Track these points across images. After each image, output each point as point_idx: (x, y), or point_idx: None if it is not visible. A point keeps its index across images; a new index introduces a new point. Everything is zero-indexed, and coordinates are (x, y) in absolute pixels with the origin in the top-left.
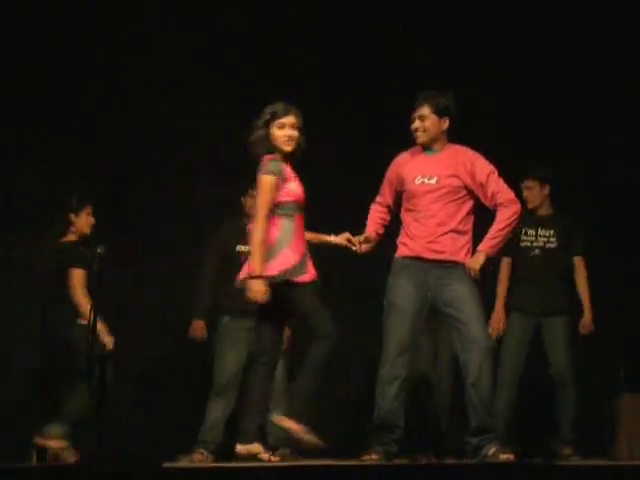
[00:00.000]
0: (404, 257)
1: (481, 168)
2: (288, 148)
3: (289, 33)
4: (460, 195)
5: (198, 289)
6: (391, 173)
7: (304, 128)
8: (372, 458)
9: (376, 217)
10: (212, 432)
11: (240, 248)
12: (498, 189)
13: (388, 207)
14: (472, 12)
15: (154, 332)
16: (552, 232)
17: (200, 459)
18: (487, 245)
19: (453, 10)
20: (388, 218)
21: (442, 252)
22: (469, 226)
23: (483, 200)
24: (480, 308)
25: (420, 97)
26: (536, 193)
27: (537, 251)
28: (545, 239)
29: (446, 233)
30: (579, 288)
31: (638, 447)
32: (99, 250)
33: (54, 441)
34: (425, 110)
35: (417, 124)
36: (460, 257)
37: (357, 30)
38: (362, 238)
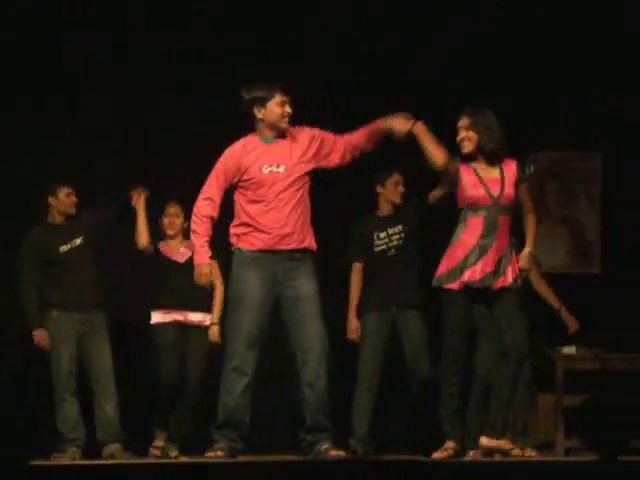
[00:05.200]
0: (253, 250)
1: (318, 135)
2: None
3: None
4: (306, 179)
5: (24, 298)
6: (228, 164)
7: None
8: (217, 454)
9: (209, 228)
10: (77, 429)
11: (63, 248)
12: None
13: (218, 207)
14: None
15: None
16: (400, 227)
17: (73, 457)
18: None
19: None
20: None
21: (293, 241)
22: (310, 206)
23: (338, 154)
24: (320, 307)
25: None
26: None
27: (393, 250)
28: (397, 236)
29: (297, 221)
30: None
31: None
32: None
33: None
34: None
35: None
36: (307, 242)
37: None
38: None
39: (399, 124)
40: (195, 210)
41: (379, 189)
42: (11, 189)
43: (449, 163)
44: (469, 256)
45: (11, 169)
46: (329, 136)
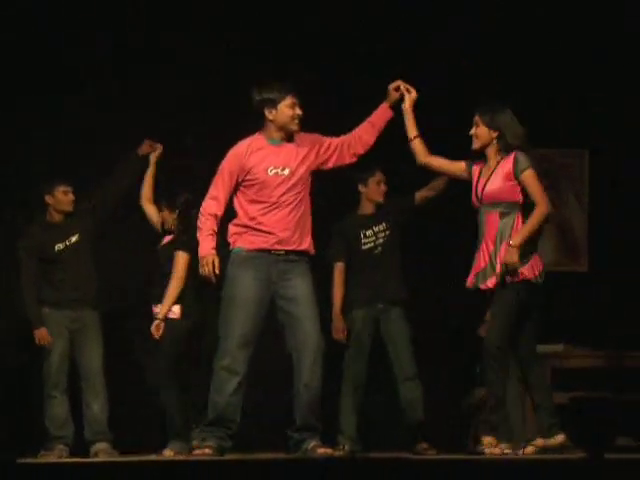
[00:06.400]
0: (249, 250)
1: (318, 139)
2: None
3: None
4: (308, 182)
5: (24, 298)
6: (232, 164)
7: None
8: (205, 452)
9: (213, 225)
10: (65, 427)
11: (59, 247)
12: (335, 139)
13: (223, 206)
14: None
15: None
16: (384, 225)
17: (60, 455)
18: None
19: None
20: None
21: (292, 243)
22: (310, 209)
23: (333, 157)
24: (316, 307)
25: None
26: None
27: (380, 248)
28: (383, 234)
29: (297, 223)
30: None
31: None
32: None
33: None
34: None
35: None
36: (305, 245)
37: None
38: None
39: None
40: (201, 209)
41: (361, 188)
42: (10, 188)
43: (455, 166)
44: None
45: (10, 169)
46: (327, 140)
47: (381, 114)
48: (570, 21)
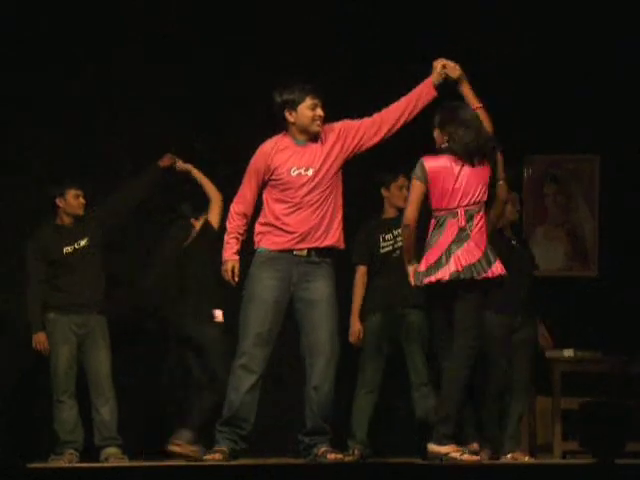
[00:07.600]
0: (273, 250)
1: (344, 126)
2: None
3: None
4: (335, 178)
5: (28, 300)
6: (258, 163)
7: None
8: (215, 457)
9: (239, 238)
10: (75, 432)
11: (67, 250)
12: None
13: (251, 205)
14: None
15: None
16: None
17: (70, 460)
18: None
19: None
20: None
21: (314, 240)
22: (341, 201)
23: (375, 134)
24: (334, 312)
25: None
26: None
27: (398, 252)
28: (402, 238)
29: (321, 220)
30: None
31: None
32: None
33: (184, 447)
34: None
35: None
36: (330, 240)
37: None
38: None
39: (451, 70)
40: (230, 207)
41: (384, 192)
42: (11, 189)
43: None
44: None
45: (10, 169)
46: (353, 125)
47: (421, 90)
48: (576, 22)
